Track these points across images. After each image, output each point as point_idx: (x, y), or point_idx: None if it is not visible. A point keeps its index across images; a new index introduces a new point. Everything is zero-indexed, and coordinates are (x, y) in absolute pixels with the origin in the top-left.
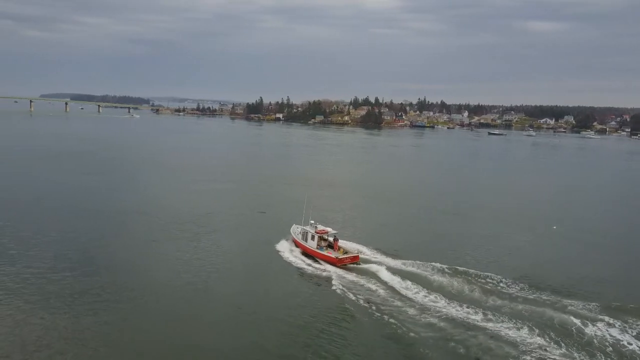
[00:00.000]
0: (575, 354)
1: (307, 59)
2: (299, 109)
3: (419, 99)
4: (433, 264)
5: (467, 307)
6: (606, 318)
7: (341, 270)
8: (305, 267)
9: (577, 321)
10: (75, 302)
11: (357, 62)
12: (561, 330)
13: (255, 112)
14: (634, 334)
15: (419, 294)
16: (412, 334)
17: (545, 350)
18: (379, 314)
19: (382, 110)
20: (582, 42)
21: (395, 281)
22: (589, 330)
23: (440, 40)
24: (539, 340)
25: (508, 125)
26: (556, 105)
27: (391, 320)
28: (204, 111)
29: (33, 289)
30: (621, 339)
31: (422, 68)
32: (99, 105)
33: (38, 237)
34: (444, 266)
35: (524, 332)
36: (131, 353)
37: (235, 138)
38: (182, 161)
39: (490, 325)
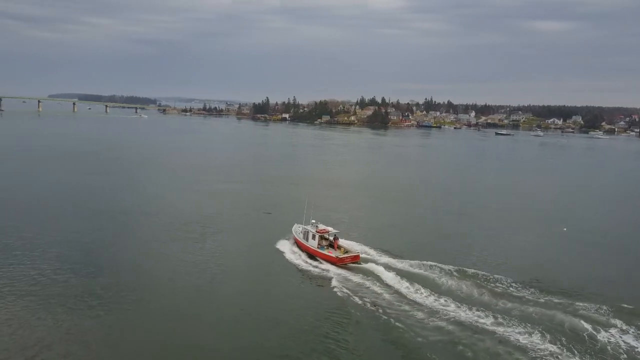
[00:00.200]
0: None
1: (308, 58)
2: (305, 109)
3: (426, 99)
4: (440, 265)
5: (477, 311)
6: (619, 323)
7: (342, 270)
8: (307, 267)
9: (589, 326)
10: (78, 303)
11: (362, 62)
12: (572, 335)
13: (261, 112)
14: None
15: (425, 296)
16: (419, 339)
17: (557, 358)
18: (385, 317)
19: (389, 111)
20: (582, 41)
21: (396, 281)
22: (602, 336)
23: (443, 40)
24: (550, 346)
25: (515, 126)
26: (564, 105)
27: (397, 324)
28: (210, 111)
29: (36, 290)
30: (636, 345)
31: (424, 68)
32: (106, 106)
33: (41, 237)
34: (452, 267)
35: (535, 337)
36: (132, 353)
37: (241, 138)
38: (188, 161)
39: (500, 329)
